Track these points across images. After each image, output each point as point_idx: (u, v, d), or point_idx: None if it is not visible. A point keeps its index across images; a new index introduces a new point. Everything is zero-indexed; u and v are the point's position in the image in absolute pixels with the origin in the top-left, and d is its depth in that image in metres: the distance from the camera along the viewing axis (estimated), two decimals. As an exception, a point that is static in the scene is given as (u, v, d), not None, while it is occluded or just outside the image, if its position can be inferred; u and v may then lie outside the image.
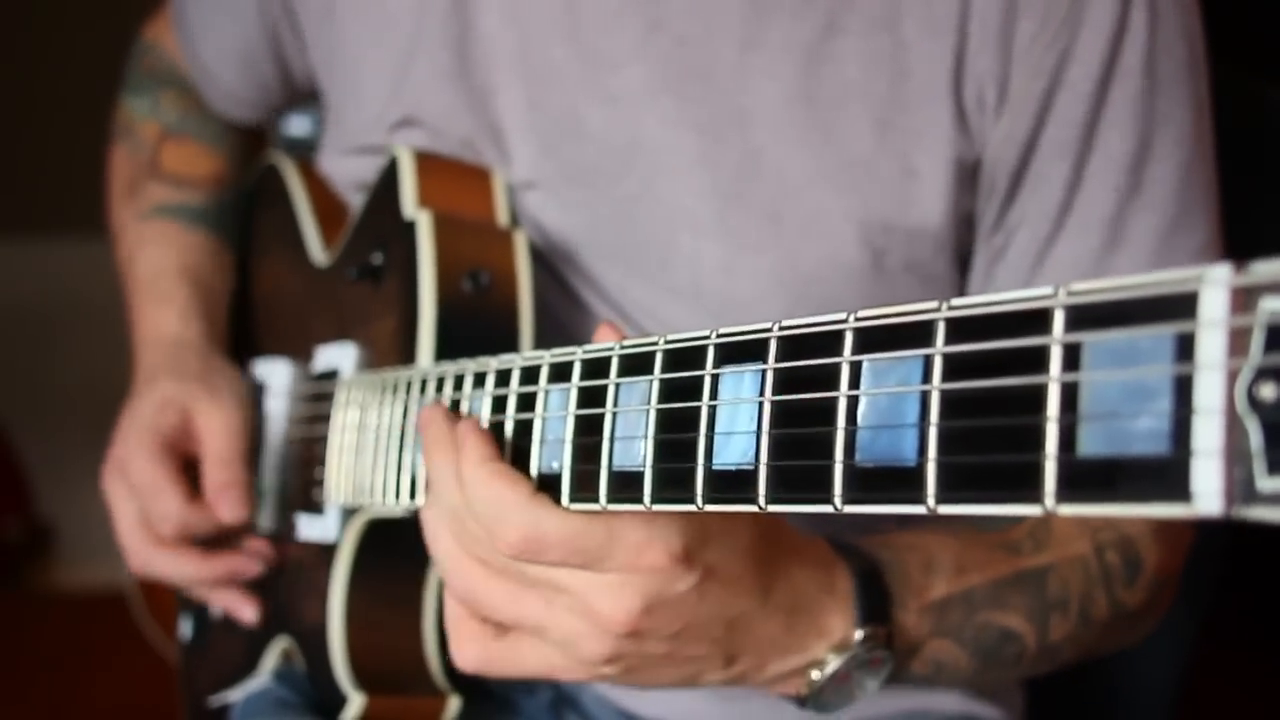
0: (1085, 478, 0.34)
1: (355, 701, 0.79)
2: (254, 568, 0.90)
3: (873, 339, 0.42)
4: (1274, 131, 1.02)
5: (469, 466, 0.59)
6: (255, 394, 0.97)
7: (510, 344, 0.78)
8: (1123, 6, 0.73)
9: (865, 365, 0.42)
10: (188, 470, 0.90)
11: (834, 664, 0.63)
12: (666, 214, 0.81)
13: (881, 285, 0.80)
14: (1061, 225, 0.77)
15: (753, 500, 0.45)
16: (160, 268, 0.99)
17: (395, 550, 0.81)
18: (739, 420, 0.47)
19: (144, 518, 0.88)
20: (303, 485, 0.89)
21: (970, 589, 0.70)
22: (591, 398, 0.55)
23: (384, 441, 0.74)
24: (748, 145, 0.78)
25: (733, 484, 0.46)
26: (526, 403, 0.60)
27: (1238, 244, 0.82)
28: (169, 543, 0.88)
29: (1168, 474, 0.32)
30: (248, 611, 0.92)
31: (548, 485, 0.57)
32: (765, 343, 0.46)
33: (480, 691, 0.91)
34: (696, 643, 0.59)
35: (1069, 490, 0.35)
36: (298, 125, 1.41)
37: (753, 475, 0.46)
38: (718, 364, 0.48)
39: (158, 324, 0.97)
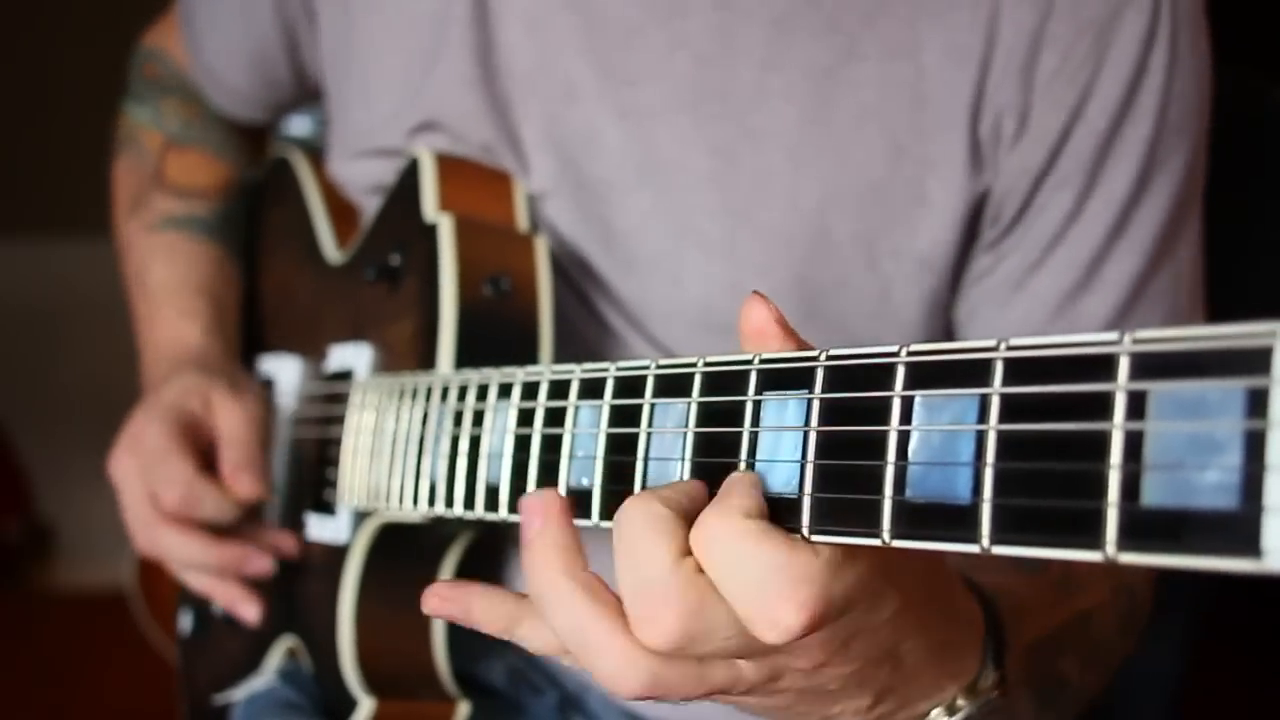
0: (1148, 527, 0.34)
1: (365, 705, 0.79)
2: (265, 563, 0.88)
3: (925, 374, 0.42)
4: (1274, 131, 1.02)
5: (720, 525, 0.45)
6: (263, 390, 0.96)
7: (530, 350, 0.78)
8: (1145, 47, 0.74)
9: (918, 400, 0.42)
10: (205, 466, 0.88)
11: (965, 710, 0.56)
12: (677, 231, 0.81)
13: (888, 309, 0.80)
14: (1048, 256, 0.78)
15: (796, 530, 0.45)
16: (177, 281, 0.99)
17: (407, 554, 0.81)
18: (782, 448, 0.46)
19: (151, 493, 0.86)
20: (313, 485, 0.88)
21: (1049, 635, 0.66)
22: (625, 416, 0.54)
23: (402, 446, 0.73)
24: (761, 166, 0.78)
25: (775, 512, 0.46)
26: (554, 417, 0.59)
27: (1237, 243, 0.83)
28: (175, 518, 0.85)
29: (1237, 529, 0.32)
30: (250, 610, 0.89)
31: (579, 502, 0.56)
32: (811, 371, 0.46)
33: (486, 693, 0.91)
34: (863, 685, 0.52)
35: (1131, 539, 0.35)
36: (298, 125, 1.40)
37: (796, 504, 0.45)
38: (759, 390, 0.48)
39: (182, 335, 0.96)
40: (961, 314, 0.82)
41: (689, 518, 0.46)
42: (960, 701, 0.56)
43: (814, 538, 0.45)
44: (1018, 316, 0.79)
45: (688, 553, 0.45)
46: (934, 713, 0.56)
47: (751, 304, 0.50)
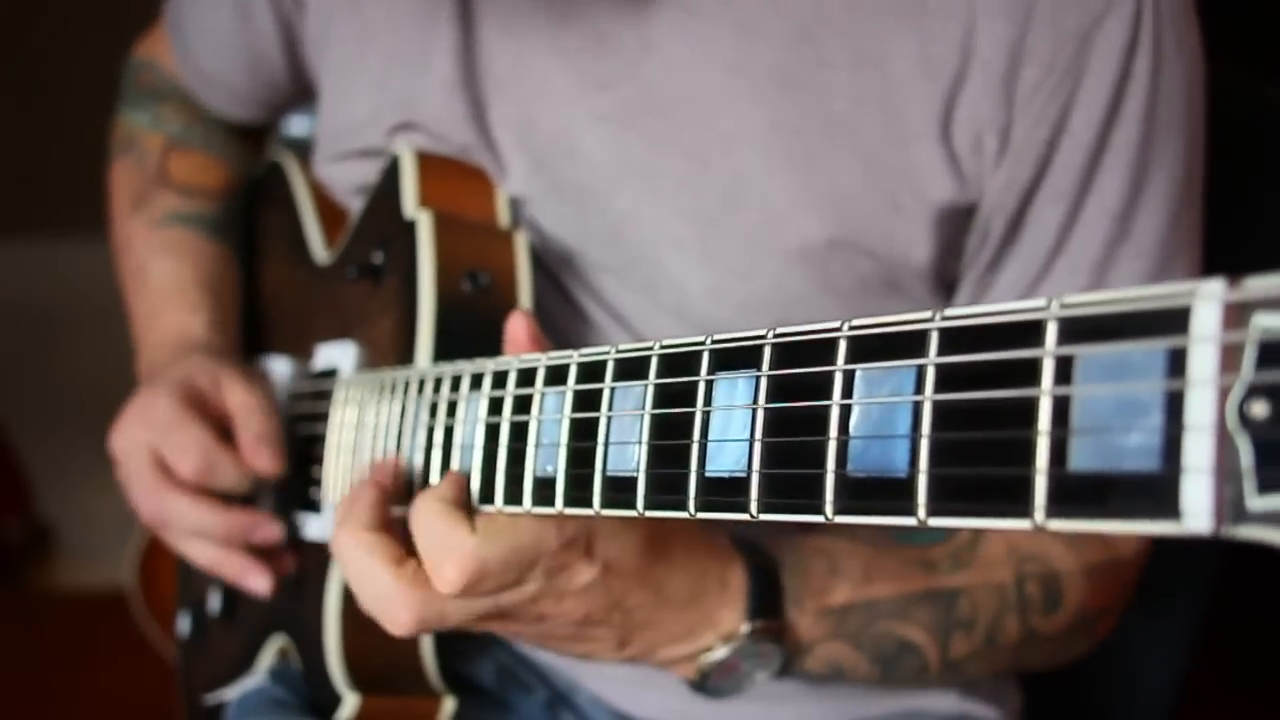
0: (1075, 493, 0.34)
1: (350, 701, 0.79)
2: (274, 530, 0.86)
3: (866, 348, 0.42)
4: (1274, 131, 1.01)
5: (422, 504, 0.64)
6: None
7: (509, 345, 0.78)
8: (1127, 55, 0.73)
9: (858, 374, 0.42)
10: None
11: (721, 652, 0.70)
12: (654, 235, 0.81)
13: (867, 313, 0.79)
14: (1050, 268, 0.77)
15: (744, 508, 0.45)
16: (183, 277, 0.99)
17: (392, 550, 0.81)
18: (732, 427, 0.47)
19: (159, 461, 0.83)
20: (301, 484, 0.88)
21: (874, 599, 0.73)
22: (587, 401, 0.55)
23: (381, 441, 0.74)
24: (732, 170, 0.78)
25: (725, 490, 0.46)
26: (523, 405, 0.60)
27: (1237, 243, 0.82)
28: (185, 485, 0.83)
29: (1158, 491, 0.32)
30: (259, 581, 0.87)
31: (543, 488, 0.57)
32: (759, 350, 0.46)
33: (475, 692, 0.91)
34: (595, 627, 0.67)
35: (1059, 505, 0.35)
36: (298, 125, 1.41)
37: (745, 483, 0.45)
38: (712, 370, 0.48)
39: (189, 328, 0.95)
40: None
41: (389, 523, 0.67)
42: (718, 646, 0.70)
43: (761, 515, 0.45)
44: None
45: (404, 558, 0.64)
46: (700, 653, 0.70)
47: (515, 317, 0.69)
